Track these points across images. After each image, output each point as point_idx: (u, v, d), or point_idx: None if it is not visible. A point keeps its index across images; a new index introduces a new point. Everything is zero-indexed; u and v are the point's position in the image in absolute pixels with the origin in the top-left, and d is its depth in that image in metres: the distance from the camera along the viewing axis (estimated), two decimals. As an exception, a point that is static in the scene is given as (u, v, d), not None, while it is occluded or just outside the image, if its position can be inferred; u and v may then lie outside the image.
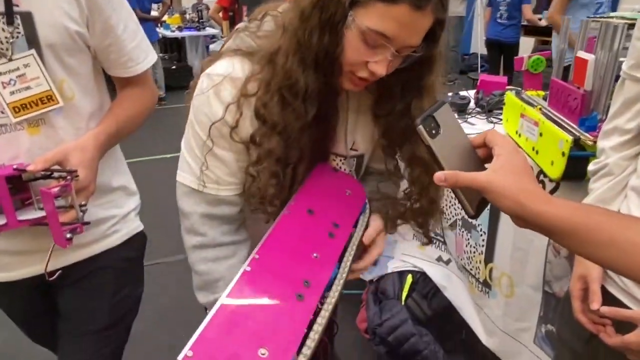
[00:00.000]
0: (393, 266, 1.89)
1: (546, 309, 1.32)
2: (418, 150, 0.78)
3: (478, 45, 6.55)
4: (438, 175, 0.55)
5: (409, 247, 1.87)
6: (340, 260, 0.71)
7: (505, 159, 0.54)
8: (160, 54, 6.87)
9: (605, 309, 0.82)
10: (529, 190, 0.52)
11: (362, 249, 0.81)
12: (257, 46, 0.73)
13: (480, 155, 0.59)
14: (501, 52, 4.46)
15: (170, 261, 2.46)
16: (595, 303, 0.84)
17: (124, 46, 0.89)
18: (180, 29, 6.88)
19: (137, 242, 1.03)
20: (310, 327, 0.59)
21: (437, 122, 0.56)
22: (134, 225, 1.03)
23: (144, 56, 0.94)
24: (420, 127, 0.55)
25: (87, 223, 0.79)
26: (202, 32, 6.87)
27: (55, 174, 0.74)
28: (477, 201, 0.58)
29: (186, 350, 0.51)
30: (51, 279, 0.81)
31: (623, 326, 0.79)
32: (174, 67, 6.77)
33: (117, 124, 0.91)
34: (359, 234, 0.76)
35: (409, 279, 1.81)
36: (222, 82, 0.72)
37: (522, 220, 0.53)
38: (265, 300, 0.61)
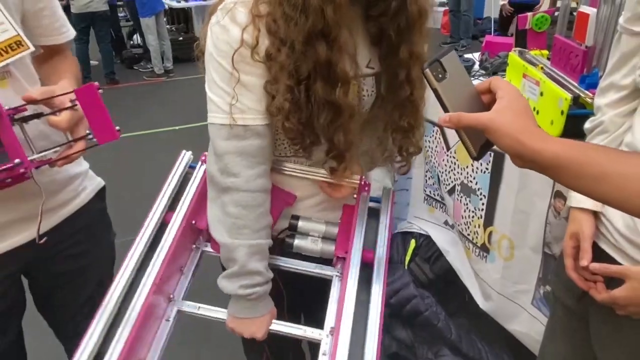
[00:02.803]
0: (400, 226, 1.92)
1: (545, 270, 1.33)
2: (416, 46, 0.79)
3: (492, 9, 6.36)
4: (443, 117, 0.58)
5: (420, 210, 1.89)
6: None
7: (508, 101, 0.56)
8: (167, 26, 6.81)
9: (595, 265, 0.82)
10: (527, 129, 0.54)
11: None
12: None
13: (484, 101, 0.61)
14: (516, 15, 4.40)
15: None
16: (585, 260, 0.84)
17: (56, 10, 0.89)
18: (186, -2, 6.79)
19: (102, 194, 1.09)
20: None
21: (443, 67, 0.58)
22: (98, 181, 1.07)
23: (69, 23, 0.94)
24: (427, 70, 0.57)
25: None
26: (209, 2, 6.76)
27: (45, 112, 0.74)
28: (480, 144, 0.60)
29: None
30: (41, 241, 0.83)
31: (614, 282, 0.80)
32: (181, 38, 6.71)
33: (77, 81, 0.90)
34: None
35: (412, 243, 1.83)
36: (235, 6, 0.74)
37: (521, 158, 0.55)
38: None
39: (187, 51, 6.48)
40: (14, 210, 0.87)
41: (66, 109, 0.74)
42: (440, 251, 1.74)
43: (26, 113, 0.74)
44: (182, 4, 6.78)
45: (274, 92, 0.76)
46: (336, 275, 0.92)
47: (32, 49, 0.77)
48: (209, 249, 0.97)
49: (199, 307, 0.89)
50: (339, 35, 0.72)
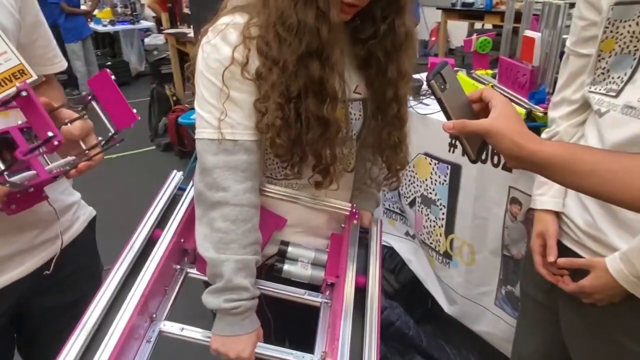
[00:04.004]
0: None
1: (505, 271, 1.44)
2: (403, 66, 0.84)
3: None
4: (447, 124, 0.64)
5: None
6: None
7: (502, 109, 0.63)
8: (93, 50, 6.52)
9: (562, 260, 0.91)
10: (523, 132, 0.61)
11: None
12: None
13: (475, 108, 0.68)
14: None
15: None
16: (552, 256, 0.93)
17: (50, 41, 0.91)
18: (112, 23, 6.55)
19: (93, 224, 1.09)
20: None
21: (444, 78, 0.64)
22: (90, 210, 1.07)
23: (61, 54, 0.96)
24: (432, 82, 0.62)
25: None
26: (137, 26, 6.58)
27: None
28: (477, 147, 0.67)
29: None
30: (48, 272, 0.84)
31: (578, 274, 0.89)
32: (109, 63, 6.45)
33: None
34: None
35: (376, 256, 1.89)
36: (227, 27, 0.77)
37: (517, 159, 0.62)
38: None
39: (116, 76, 6.21)
40: (12, 244, 0.84)
41: (77, 119, 0.74)
42: (403, 261, 1.81)
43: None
44: (109, 28, 6.53)
45: (263, 109, 0.78)
46: (324, 302, 0.92)
47: (35, 77, 0.75)
48: (194, 271, 0.95)
49: (183, 329, 0.85)
50: (332, 54, 0.75)
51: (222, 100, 0.77)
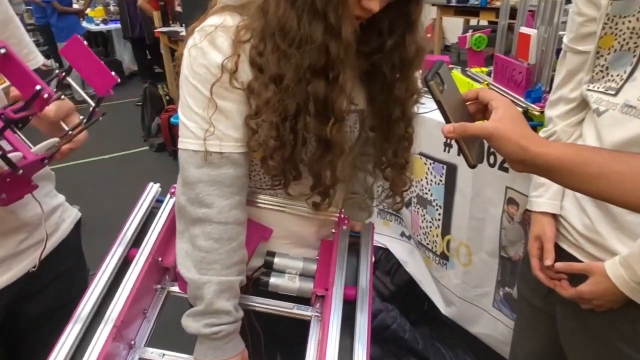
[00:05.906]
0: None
1: (503, 273, 1.41)
2: (413, 84, 0.79)
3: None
4: (447, 127, 0.59)
5: (375, 225, 1.92)
6: None
7: (504, 111, 0.59)
8: (86, 49, 6.48)
9: (560, 265, 0.89)
10: (528, 135, 0.58)
11: None
12: None
13: (470, 109, 0.64)
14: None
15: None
16: (549, 260, 0.91)
17: (23, 38, 0.89)
18: (105, 21, 6.50)
19: (79, 226, 1.07)
20: None
21: (441, 79, 0.59)
22: (75, 212, 1.06)
23: (36, 49, 0.94)
24: (432, 82, 0.58)
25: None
26: (130, 24, 6.53)
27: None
28: (475, 151, 0.63)
29: None
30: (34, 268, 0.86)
31: (576, 279, 0.87)
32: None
33: None
34: None
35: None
36: (216, 30, 0.70)
37: (522, 162, 0.58)
38: None
39: (109, 76, 6.20)
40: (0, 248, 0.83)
41: (52, 100, 0.71)
42: (399, 263, 1.79)
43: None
44: (101, 27, 6.47)
45: (254, 126, 0.72)
46: (315, 316, 0.87)
47: (7, 83, 0.73)
48: (175, 288, 0.89)
49: (164, 355, 0.81)
50: (342, 75, 0.68)
51: (209, 112, 0.71)
